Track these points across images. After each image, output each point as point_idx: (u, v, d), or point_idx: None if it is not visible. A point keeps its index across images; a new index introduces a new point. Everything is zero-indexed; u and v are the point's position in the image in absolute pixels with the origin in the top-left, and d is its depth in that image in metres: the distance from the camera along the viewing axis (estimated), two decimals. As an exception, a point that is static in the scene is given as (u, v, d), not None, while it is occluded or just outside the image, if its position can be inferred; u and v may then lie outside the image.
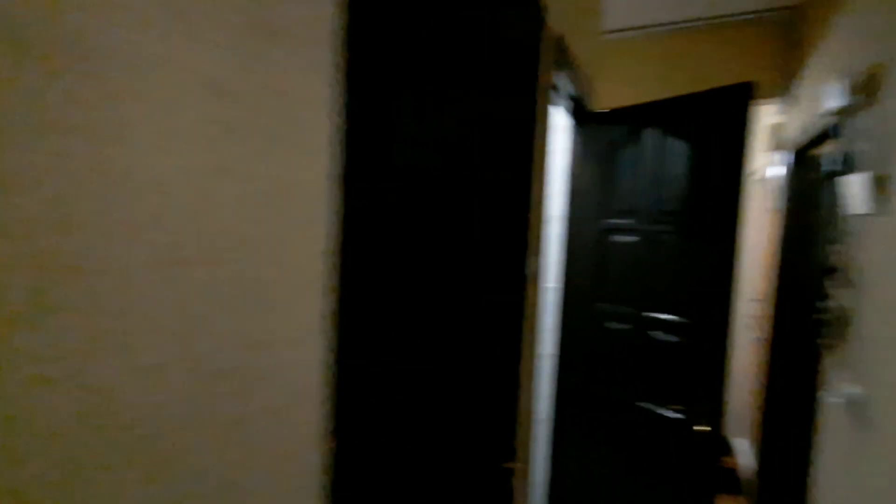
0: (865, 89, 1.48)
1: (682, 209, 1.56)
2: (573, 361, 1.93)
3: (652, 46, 2.64)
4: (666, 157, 1.62)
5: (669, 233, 1.60)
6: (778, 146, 2.61)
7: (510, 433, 1.21)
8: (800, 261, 2.40)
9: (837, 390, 1.48)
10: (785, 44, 2.36)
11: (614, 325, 1.77)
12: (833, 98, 1.62)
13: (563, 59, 1.27)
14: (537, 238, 1.30)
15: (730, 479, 2.95)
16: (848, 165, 1.55)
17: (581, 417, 1.92)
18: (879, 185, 1.35)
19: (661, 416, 1.62)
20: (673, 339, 1.59)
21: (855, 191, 1.47)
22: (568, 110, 1.83)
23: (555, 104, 1.62)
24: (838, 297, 1.55)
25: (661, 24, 2.55)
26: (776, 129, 2.60)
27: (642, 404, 1.69)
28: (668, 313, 1.60)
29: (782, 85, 2.40)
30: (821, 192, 2.21)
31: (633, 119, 1.71)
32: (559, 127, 1.93)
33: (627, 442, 1.77)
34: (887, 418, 1.22)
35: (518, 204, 1.15)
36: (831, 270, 1.54)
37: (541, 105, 1.21)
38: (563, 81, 1.40)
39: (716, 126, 1.49)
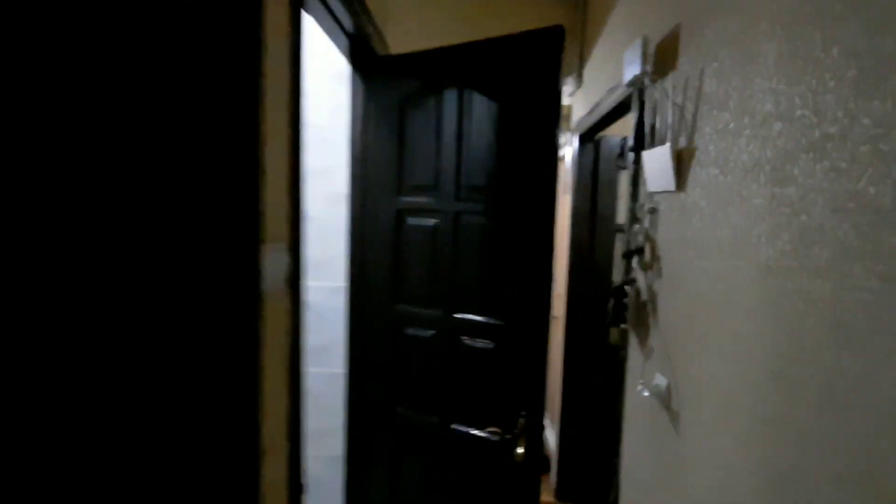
0: (661, 56, 1.38)
1: (490, 183, 1.27)
2: (371, 380, 1.52)
3: None
4: (469, 118, 1.30)
5: (476, 213, 1.30)
6: (568, 128, 2.63)
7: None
8: (595, 242, 2.44)
9: (643, 379, 1.38)
10: (574, 21, 2.33)
11: (419, 332, 1.41)
12: (627, 68, 1.52)
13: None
14: (288, 222, 0.81)
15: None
16: (644, 140, 1.45)
17: (385, 449, 1.53)
18: (678, 159, 1.24)
19: (478, 438, 1.33)
20: (488, 345, 1.30)
21: (653, 166, 1.36)
22: (346, 53, 1.37)
23: (320, 25, 1.13)
24: (641, 280, 1.45)
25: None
26: (567, 110, 2.62)
27: (457, 427, 1.38)
28: (481, 314, 1.31)
29: (573, 65, 2.38)
30: (617, 170, 2.25)
31: (429, 68, 1.35)
32: (337, 76, 1.46)
33: (443, 472, 1.44)
34: (691, 413, 1.11)
35: (228, 169, 0.64)
36: (636, 251, 1.44)
37: (273, 14, 0.71)
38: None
39: (524, 78, 1.22)
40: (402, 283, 1.43)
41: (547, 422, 3.49)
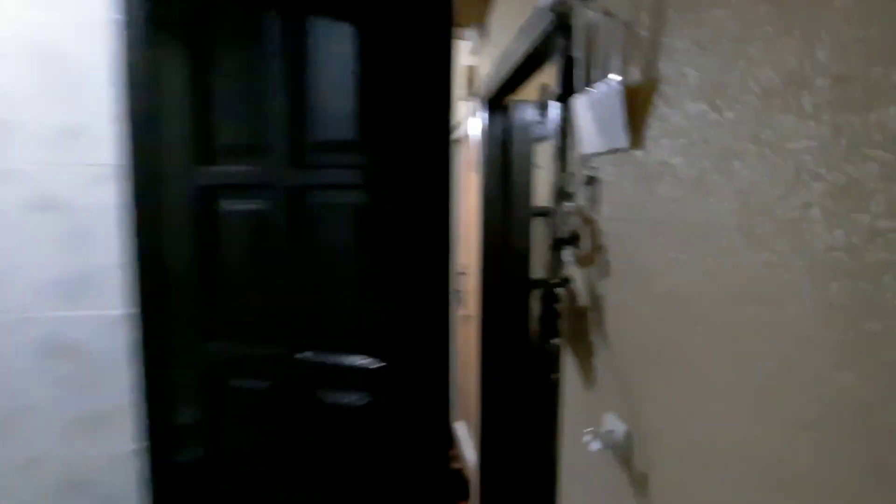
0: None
1: (355, 137, 0.78)
2: (180, 463, 0.97)
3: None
4: (315, 32, 0.79)
5: (332, 187, 0.80)
6: (474, 93, 2.21)
7: None
8: (510, 228, 2.06)
9: (589, 422, 0.99)
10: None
11: (249, 384, 0.89)
12: (548, -13, 1.10)
13: None
14: None
15: (457, 483, 2.60)
16: (575, 83, 1.04)
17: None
18: (631, 99, 0.84)
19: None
20: (359, 399, 0.82)
21: (590, 117, 0.96)
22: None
23: None
24: (579, 279, 1.06)
25: None
26: (470, 72, 2.19)
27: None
28: (347, 351, 0.82)
29: (473, 12, 1.95)
30: (534, 141, 1.87)
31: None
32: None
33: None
34: (668, 479, 0.74)
35: None
36: (568, 240, 1.04)
37: None
38: None
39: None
40: (219, 307, 0.89)
41: (465, 432, 3.12)
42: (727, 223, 0.61)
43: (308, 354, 0.84)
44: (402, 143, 0.79)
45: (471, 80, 2.19)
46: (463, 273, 3.07)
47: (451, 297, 0.83)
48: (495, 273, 2.14)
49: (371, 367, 0.81)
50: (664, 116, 0.74)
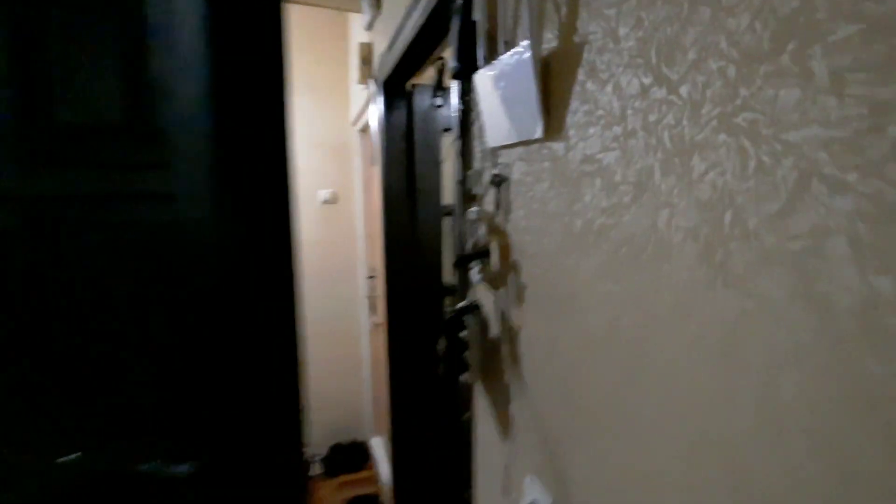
0: None
1: (130, 119, 0.50)
2: None
3: None
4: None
5: (98, 197, 0.50)
6: (371, 76, 1.93)
7: None
8: (417, 227, 1.82)
9: (507, 486, 0.79)
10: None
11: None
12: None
13: None
14: None
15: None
16: (477, 56, 0.82)
17: None
18: (546, 74, 0.64)
19: None
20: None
21: (496, 100, 0.75)
22: None
23: None
24: (488, 304, 0.85)
25: None
26: (366, 50, 1.91)
27: None
28: (143, 451, 0.54)
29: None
30: (441, 122, 1.64)
31: None
32: None
33: None
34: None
35: None
36: (475, 255, 0.82)
37: None
38: None
39: None
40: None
41: (381, 449, 2.88)
42: (684, 250, 0.43)
43: (77, 458, 0.54)
44: (205, 128, 0.52)
45: (367, 60, 1.91)
46: (372, 277, 2.81)
47: (303, 358, 0.58)
48: (402, 278, 1.90)
49: (177, 472, 0.53)
50: (591, 96, 0.54)
